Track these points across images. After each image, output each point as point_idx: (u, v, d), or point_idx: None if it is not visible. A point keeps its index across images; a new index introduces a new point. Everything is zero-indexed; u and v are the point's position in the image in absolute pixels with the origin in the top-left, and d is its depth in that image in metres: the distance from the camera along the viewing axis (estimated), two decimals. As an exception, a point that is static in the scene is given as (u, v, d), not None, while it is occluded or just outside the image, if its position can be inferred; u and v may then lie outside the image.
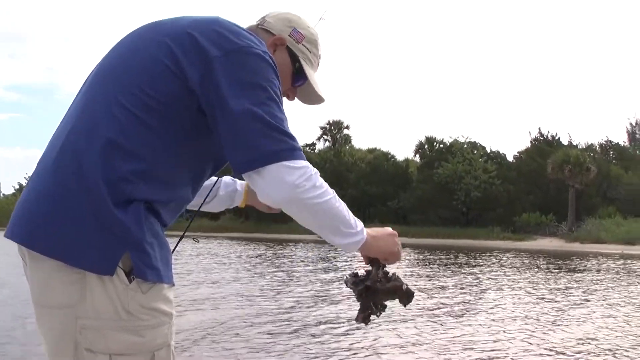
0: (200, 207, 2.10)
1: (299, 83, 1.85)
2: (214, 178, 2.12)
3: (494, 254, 28.89)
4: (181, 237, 2.05)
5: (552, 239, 40.21)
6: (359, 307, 1.72)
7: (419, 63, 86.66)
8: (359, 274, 1.74)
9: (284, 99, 1.75)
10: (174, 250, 1.73)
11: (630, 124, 57.06)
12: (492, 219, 43.54)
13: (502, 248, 35.32)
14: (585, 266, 22.42)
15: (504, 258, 26.27)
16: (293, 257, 25.60)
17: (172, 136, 1.53)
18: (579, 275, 18.59)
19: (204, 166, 1.69)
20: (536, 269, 20.64)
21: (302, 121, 74.18)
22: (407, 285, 1.72)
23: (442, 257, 26.23)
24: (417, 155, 53.08)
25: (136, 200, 1.47)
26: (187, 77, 1.50)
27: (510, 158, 51.79)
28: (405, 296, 1.71)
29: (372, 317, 1.73)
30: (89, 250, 1.41)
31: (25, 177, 63.14)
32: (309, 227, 1.56)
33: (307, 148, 58.53)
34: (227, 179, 2.22)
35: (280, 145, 1.46)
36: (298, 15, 1.89)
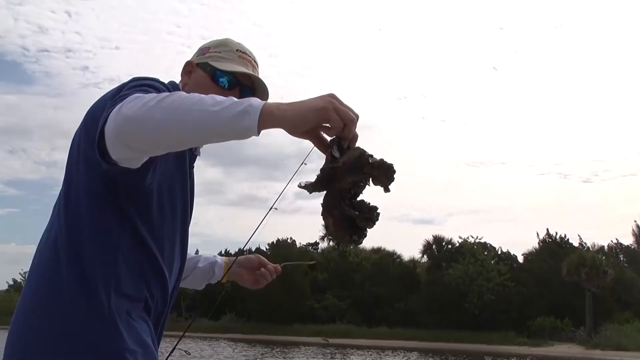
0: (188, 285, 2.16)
1: (232, 86, 1.82)
2: (191, 254, 2.13)
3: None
4: (177, 342, 2.08)
5: (571, 345, 38.32)
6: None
7: (417, 166, 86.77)
8: None
9: None
10: (170, 354, 1.86)
11: (637, 225, 55.77)
12: (505, 323, 41.80)
13: (518, 354, 33.74)
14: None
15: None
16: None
17: (106, 221, 1.59)
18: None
19: (156, 239, 1.67)
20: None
21: (304, 219, 73.50)
22: (372, 154, 1.36)
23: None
24: (425, 256, 51.78)
25: (108, 301, 1.53)
26: (86, 151, 1.56)
27: (518, 259, 50.51)
28: (380, 170, 1.34)
29: (359, 231, 1.36)
30: None
31: (20, 273, 61.65)
32: (176, 142, 1.41)
33: (310, 247, 57.23)
34: (207, 253, 2.23)
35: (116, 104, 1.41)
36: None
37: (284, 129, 1.36)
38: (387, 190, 1.37)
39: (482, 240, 49.70)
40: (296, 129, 1.37)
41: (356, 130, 1.39)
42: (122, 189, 1.60)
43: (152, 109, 1.35)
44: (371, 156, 1.37)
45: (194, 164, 1.92)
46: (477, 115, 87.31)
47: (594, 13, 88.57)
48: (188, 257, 2.08)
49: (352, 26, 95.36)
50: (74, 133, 1.66)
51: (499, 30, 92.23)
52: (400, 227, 76.97)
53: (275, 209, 2.43)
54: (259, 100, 1.36)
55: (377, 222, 1.34)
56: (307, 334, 43.98)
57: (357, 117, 1.39)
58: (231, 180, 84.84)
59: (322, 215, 1.38)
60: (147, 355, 1.56)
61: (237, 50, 1.89)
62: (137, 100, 1.37)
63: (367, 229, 1.35)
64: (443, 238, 50.54)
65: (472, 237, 49.74)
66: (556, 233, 50.17)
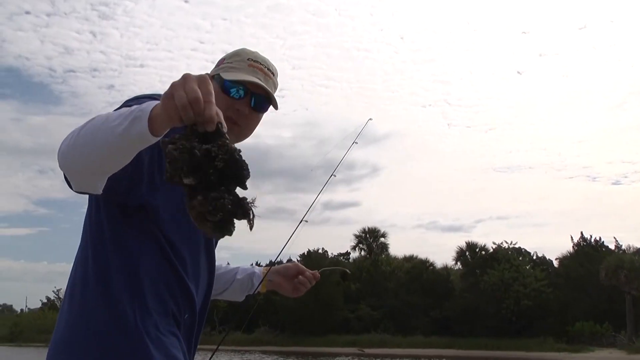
0: (220, 295, 2.13)
1: (243, 96, 1.80)
2: (229, 266, 2.19)
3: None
4: (212, 356, 2.06)
5: (612, 350, 37.51)
6: None
7: (449, 170, 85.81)
8: None
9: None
10: None
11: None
12: (543, 329, 41.13)
13: (559, 360, 32.83)
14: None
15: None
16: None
17: (125, 237, 1.63)
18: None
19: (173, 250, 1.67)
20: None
21: (333, 229, 73.37)
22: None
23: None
24: (459, 263, 51.26)
25: (134, 315, 1.56)
26: None
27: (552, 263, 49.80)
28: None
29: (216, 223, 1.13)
30: None
31: (53, 291, 62.26)
32: (98, 166, 1.39)
33: (342, 257, 57.01)
34: (245, 265, 2.23)
35: None
36: None
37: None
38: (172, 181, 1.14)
39: (517, 246, 49.11)
40: (170, 126, 1.23)
41: (209, 106, 1.17)
42: (123, 207, 1.63)
43: (75, 139, 1.37)
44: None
45: None
46: (503, 120, 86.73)
47: (618, 13, 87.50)
48: (226, 269, 2.17)
49: (374, 35, 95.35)
50: None
51: (522, 34, 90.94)
52: (428, 235, 76.70)
53: (306, 221, 2.45)
54: (155, 102, 1.28)
55: (229, 212, 1.11)
56: (341, 344, 43.73)
57: (192, 95, 1.16)
58: (257, 193, 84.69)
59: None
60: None
61: (248, 59, 1.86)
62: (70, 134, 1.40)
63: (224, 221, 1.12)
64: (476, 244, 50.15)
65: (507, 242, 49.18)
66: (591, 236, 49.46)
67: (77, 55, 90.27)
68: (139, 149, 1.34)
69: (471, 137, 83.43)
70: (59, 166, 1.43)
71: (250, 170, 1.15)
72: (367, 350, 40.38)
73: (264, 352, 40.64)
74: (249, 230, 1.15)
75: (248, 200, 1.14)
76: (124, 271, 1.61)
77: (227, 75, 1.81)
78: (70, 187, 1.50)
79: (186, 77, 1.20)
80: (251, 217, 1.14)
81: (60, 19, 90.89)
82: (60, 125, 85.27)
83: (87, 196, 1.68)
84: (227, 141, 1.15)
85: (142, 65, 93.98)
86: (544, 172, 79.41)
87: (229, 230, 1.12)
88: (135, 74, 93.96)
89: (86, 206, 1.74)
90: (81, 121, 1.40)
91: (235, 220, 1.14)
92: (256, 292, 2.20)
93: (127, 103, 1.57)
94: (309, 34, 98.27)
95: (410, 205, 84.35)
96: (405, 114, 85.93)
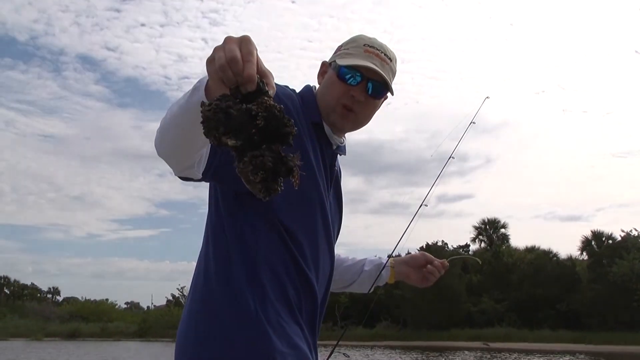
0: (347, 287, 2.13)
1: (358, 81, 1.76)
2: (356, 258, 2.15)
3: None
4: (334, 347, 2.05)
5: None
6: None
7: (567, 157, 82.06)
8: None
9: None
10: (329, 357, 1.87)
11: None
12: (681, 322, 38.57)
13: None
14: None
15: None
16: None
17: (242, 225, 1.66)
18: None
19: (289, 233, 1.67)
20: None
21: (449, 222, 72.06)
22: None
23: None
24: (584, 253, 49.12)
25: (255, 304, 1.57)
26: None
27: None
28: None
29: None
30: None
31: (177, 288, 64.67)
32: (180, 139, 1.44)
33: (461, 249, 55.99)
34: (371, 257, 2.18)
35: None
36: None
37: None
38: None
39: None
40: (222, 91, 1.14)
41: (248, 66, 1.12)
42: (240, 197, 1.65)
43: (160, 123, 1.48)
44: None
45: (336, 162, 1.88)
46: (621, 103, 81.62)
47: None
48: (353, 261, 2.15)
49: (483, 24, 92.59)
50: None
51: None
52: (547, 225, 73.90)
53: (426, 205, 2.42)
54: None
55: (270, 169, 1.05)
56: (465, 338, 43.04)
57: (230, 55, 1.13)
58: (372, 188, 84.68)
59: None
60: (298, 357, 1.58)
61: (364, 44, 1.82)
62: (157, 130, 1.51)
63: (268, 180, 1.06)
64: (603, 233, 48.00)
65: (636, 230, 46.56)
66: None
67: (190, 62, 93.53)
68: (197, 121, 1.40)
69: (587, 122, 79.95)
70: (157, 154, 1.51)
71: (294, 126, 1.08)
72: (492, 345, 39.53)
73: (386, 347, 40.60)
74: (294, 187, 1.09)
75: (291, 157, 1.07)
76: (243, 261, 1.62)
77: (343, 62, 1.79)
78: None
79: (226, 39, 1.17)
80: (295, 173, 1.07)
81: (173, 28, 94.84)
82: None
83: (205, 197, 1.74)
84: (268, 99, 1.09)
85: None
86: (668, 156, 74.54)
87: (274, 189, 1.06)
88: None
89: (204, 207, 1.77)
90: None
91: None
92: (384, 283, 2.16)
93: None
94: (416, 26, 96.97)
95: (526, 196, 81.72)
96: (518, 102, 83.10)
